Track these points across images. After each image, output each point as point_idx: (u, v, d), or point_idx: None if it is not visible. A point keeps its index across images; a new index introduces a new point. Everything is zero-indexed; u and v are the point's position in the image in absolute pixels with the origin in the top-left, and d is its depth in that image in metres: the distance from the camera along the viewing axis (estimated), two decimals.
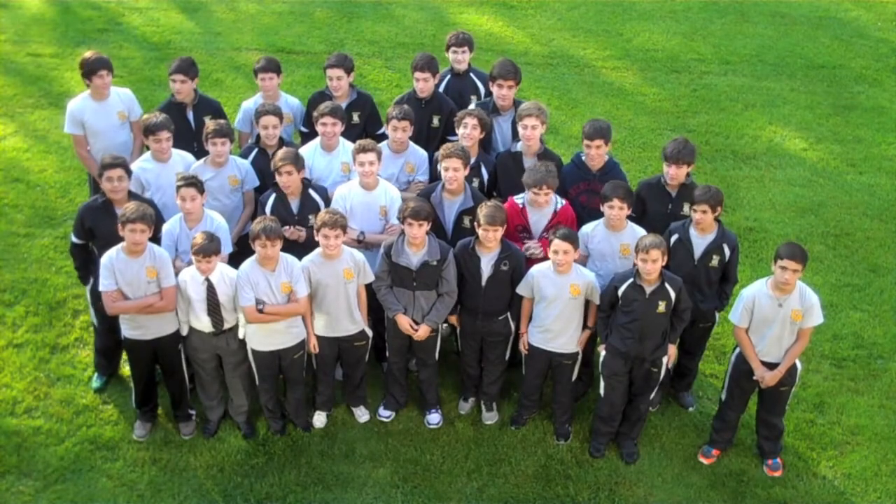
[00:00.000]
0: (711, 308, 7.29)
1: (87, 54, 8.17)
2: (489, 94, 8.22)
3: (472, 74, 8.59)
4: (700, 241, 7.06)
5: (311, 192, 7.35)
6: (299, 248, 7.10)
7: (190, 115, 8.18)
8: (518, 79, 8.01)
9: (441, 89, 8.44)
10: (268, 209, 7.22)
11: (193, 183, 6.94)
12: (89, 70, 8.01)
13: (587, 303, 7.09)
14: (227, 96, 11.59)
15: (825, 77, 12.96)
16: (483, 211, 6.87)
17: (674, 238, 7.06)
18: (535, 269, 7.01)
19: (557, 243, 6.77)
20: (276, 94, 8.29)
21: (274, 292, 6.80)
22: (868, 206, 10.36)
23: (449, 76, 8.56)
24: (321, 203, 7.32)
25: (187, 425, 7.40)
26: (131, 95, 8.39)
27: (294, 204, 7.28)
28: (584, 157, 7.53)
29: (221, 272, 6.82)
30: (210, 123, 7.59)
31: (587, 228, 7.21)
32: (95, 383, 7.75)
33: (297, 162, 7.20)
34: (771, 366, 6.87)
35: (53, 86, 11.80)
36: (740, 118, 11.92)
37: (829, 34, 14.07)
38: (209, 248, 6.65)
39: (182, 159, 7.63)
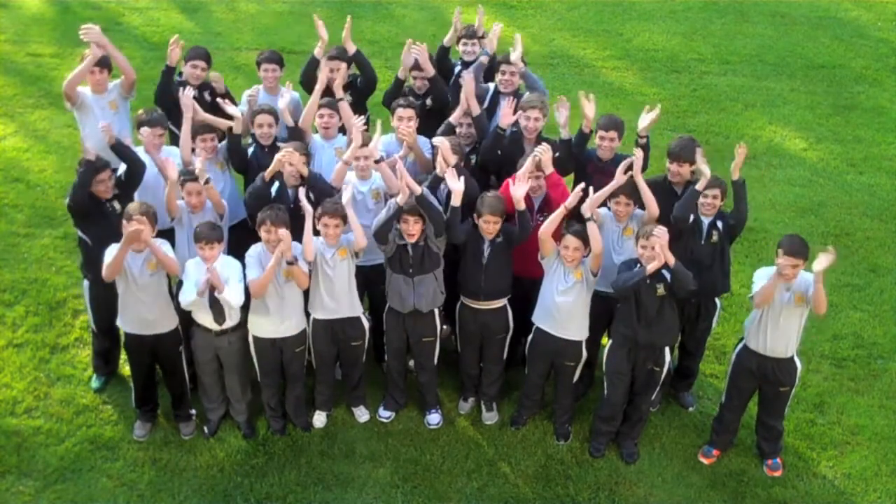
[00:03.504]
0: (711, 283, 7.23)
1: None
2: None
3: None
4: (704, 220, 7.15)
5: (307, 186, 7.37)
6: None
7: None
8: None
9: (451, 81, 8.57)
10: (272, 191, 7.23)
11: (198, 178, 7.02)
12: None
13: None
14: None
15: (825, 77, 12.97)
16: (485, 201, 6.91)
17: (692, 216, 7.10)
18: (551, 258, 7.00)
19: (569, 239, 6.80)
20: (276, 87, 8.38)
21: (277, 276, 6.86)
22: (868, 206, 10.37)
23: (459, 66, 8.70)
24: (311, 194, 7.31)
25: (187, 425, 7.40)
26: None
27: (291, 191, 7.30)
28: (597, 152, 7.58)
29: (223, 264, 6.84)
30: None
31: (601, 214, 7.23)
32: (94, 384, 7.76)
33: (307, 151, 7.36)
34: (774, 361, 6.87)
35: (53, 86, 11.79)
36: (740, 118, 11.93)
37: (829, 34, 14.08)
38: (211, 235, 6.68)
39: (173, 157, 7.64)
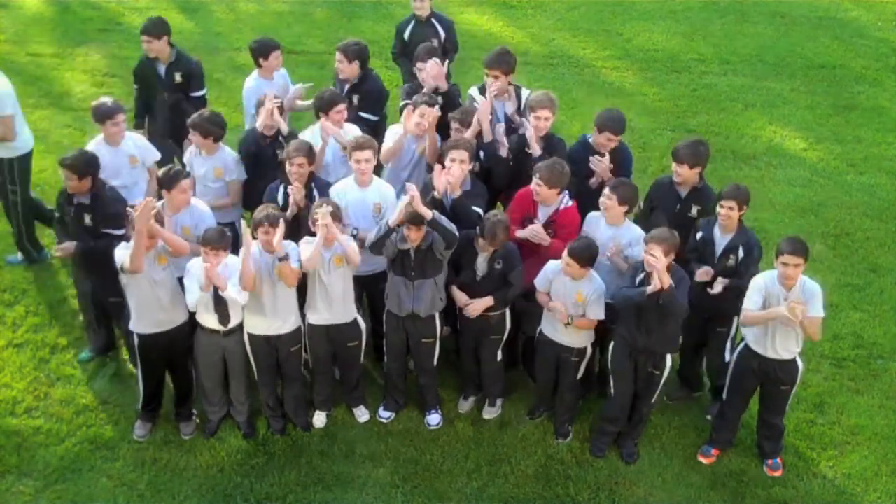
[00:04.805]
0: (726, 307, 7.10)
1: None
2: (449, 39, 8.90)
3: (433, 20, 9.18)
4: (721, 239, 7.04)
5: (312, 184, 7.35)
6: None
7: (161, 70, 8.79)
8: (505, 67, 7.93)
9: (406, 35, 9.08)
10: (279, 196, 7.29)
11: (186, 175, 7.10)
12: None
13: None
14: (227, 96, 11.61)
15: (825, 77, 12.96)
16: (486, 224, 6.87)
17: (699, 235, 7.10)
18: (554, 264, 6.99)
19: (566, 257, 6.77)
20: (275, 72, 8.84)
21: (270, 274, 6.85)
22: (868, 206, 10.36)
23: (413, 22, 9.10)
24: (317, 197, 7.29)
25: (187, 425, 7.40)
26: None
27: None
28: (591, 140, 7.56)
29: (226, 262, 6.82)
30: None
31: (595, 215, 7.23)
32: (84, 355, 7.84)
33: (310, 155, 7.28)
34: (772, 362, 6.85)
35: (53, 86, 11.80)
36: (740, 118, 11.92)
37: (829, 34, 14.07)
38: (219, 241, 6.67)
39: (134, 143, 7.86)
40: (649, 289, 6.55)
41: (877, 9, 14.90)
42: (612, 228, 7.09)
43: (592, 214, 7.23)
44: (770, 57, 13.40)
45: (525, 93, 8.05)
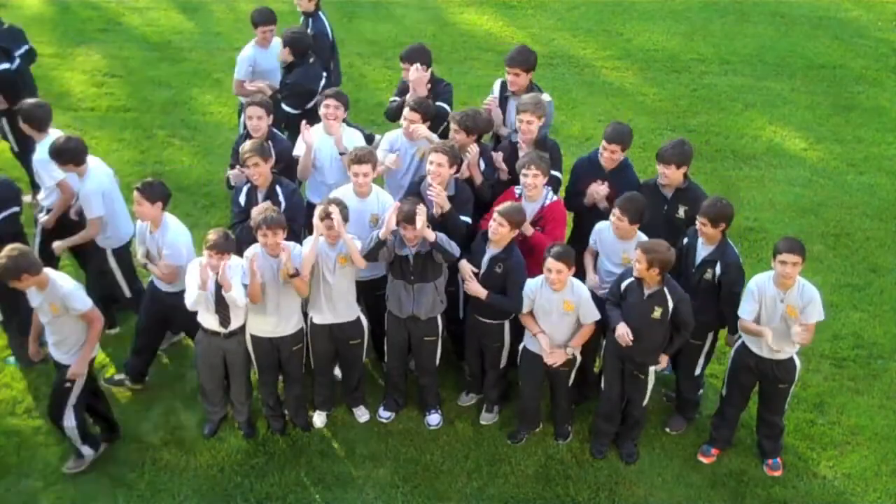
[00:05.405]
0: (702, 321, 6.98)
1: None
2: (315, 38, 9.44)
3: (311, 18, 9.85)
4: (703, 250, 6.99)
5: (277, 187, 7.29)
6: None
7: None
8: (525, 66, 7.96)
9: (308, 28, 9.49)
10: (241, 198, 7.28)
11: (140, 189, 6.94)
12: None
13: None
14: (227, 96, 11.60)
15: (825, 77, 12.96)
16: (504, 205, 6.88)
17: (685, 241, 7.06)
18: (533, 282, 6.96)
19: (550, 262, 6.69)
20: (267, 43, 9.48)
21: (275, 276, 6.82)
22: (868, 206, 10.36)
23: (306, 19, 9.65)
24: (282, 202, 7.23)
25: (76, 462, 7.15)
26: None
27: (261, 196, 7.27)
28: (599, 157, 7.49)
29: (229, 264, 6.80)
30: None
31: (602, 225, 7.20)
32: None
33: (263, 153, 7.18)
34: (769, 361, 6.86)
35: (53, 86, 11.78)
36: (740, 118, 11.92)
37: (829, 34, 14.07)
38: (225, 246, 6.64)
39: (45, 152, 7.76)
40: (617, 330, 6.64)
41: (877, 9, 14.90)
42: (623, 242, 7.05)
43: (601, 224, 7.20)
44: (770, 57, 13.40)
45: (545, 96, 7.95)
